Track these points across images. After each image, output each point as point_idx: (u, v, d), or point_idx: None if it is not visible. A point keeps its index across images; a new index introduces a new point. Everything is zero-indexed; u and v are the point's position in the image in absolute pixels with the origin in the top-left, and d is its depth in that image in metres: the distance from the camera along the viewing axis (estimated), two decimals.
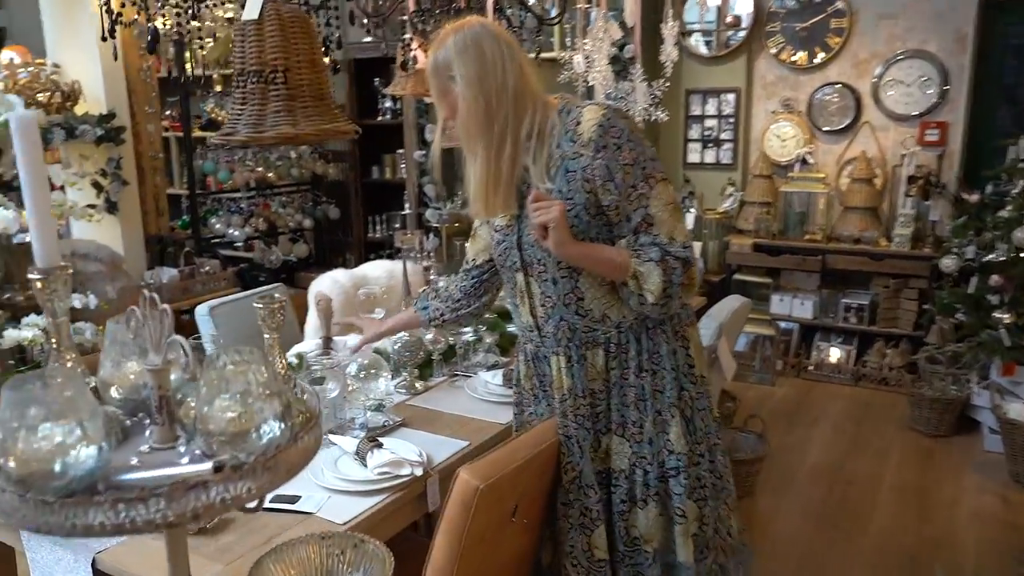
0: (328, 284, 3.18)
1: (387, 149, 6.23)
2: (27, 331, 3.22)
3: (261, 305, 1.17)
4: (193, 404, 0.93)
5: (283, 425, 0.90)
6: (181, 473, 0.86)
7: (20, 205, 4.08)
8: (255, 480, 0.84)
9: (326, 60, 2.33)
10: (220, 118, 5.72)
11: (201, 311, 2.63)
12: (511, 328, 2.77)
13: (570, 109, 1.68)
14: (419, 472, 1.76)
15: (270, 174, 5.81)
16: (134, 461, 0.91)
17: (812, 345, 4.90)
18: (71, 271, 1.05)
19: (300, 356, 2.27)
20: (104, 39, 2.93)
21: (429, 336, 2.42)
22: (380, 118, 6.22)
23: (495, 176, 1.67)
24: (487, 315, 2.55)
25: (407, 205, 5.90)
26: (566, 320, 1.71)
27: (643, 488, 1.72)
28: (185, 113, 5.28)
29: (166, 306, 0.93)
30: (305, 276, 6.34)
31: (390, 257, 6.49)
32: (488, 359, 2.52)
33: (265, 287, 3.09)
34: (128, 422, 0.99)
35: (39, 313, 3.69)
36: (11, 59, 4.70)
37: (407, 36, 2.93)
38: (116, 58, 3.79)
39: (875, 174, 4.72)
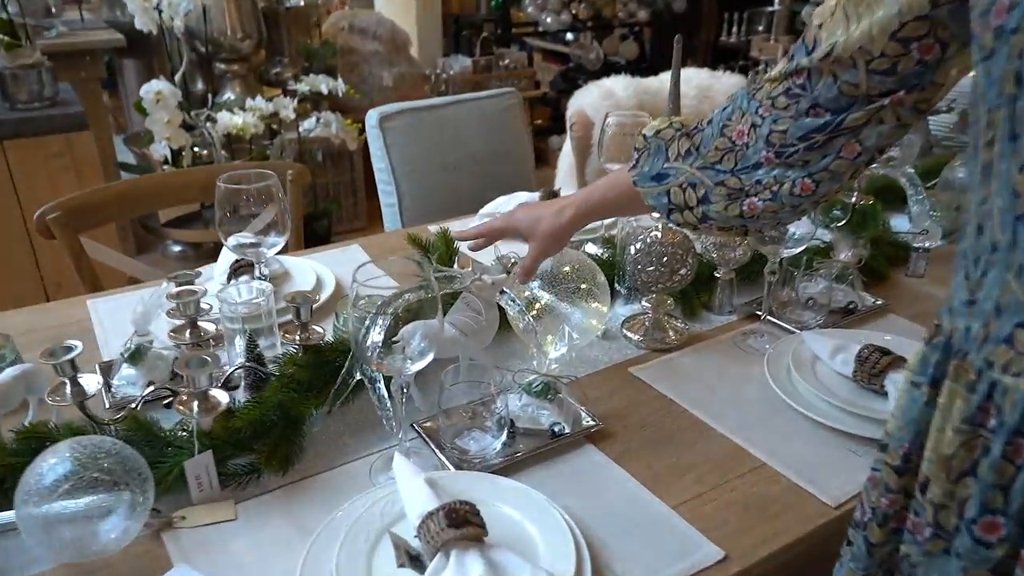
0: (596, 98, 2.00)
1: None
2: (239, 117, 2.57)
3: None
4: None
5: None
6: None
7: None
8: None
9: None
10: None
11: (370, 120, 1.66)
12: (903, 229, 1.41)
13: None
14: None
15: None
16: None
17: None
18: None
19: (445, 234, 1.18)
20: None
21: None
22: None
23: None
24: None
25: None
26: None
27: None
28: None
29: None
30: None
31: (744, 70, 4.96)
32: (834, 295, 1.21)
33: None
34: None
35: (286, 95, 3.06)
36: None
37: None
38: None
39: None
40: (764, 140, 0.76)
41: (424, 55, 4.17)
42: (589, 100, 1.96)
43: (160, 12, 2.56)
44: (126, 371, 0.99)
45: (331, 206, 3.28)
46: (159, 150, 2.55)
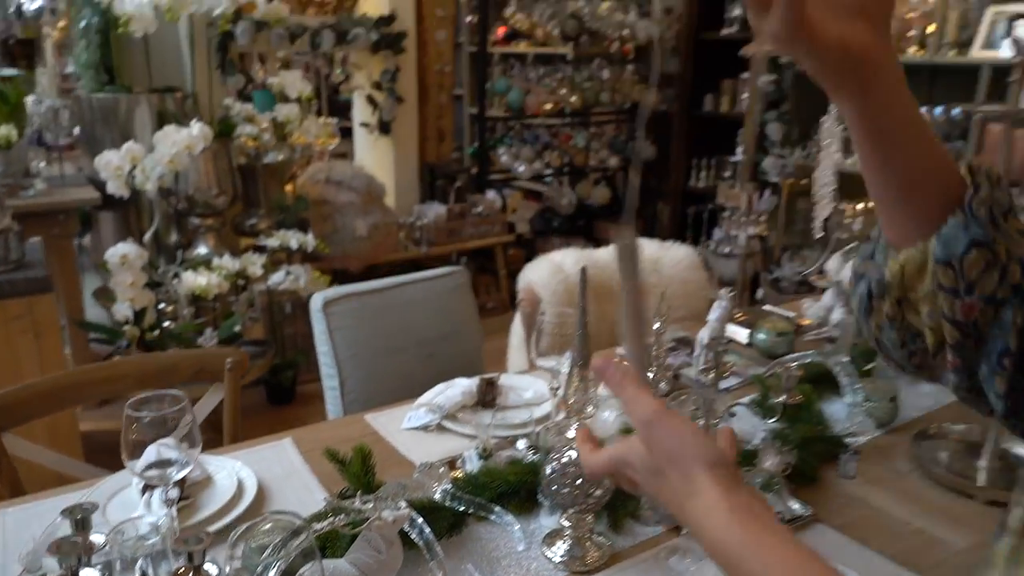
0: (545, 273, 2.04)
1: (728, 72, 4.80)
2: (203, 277, 2.60)
3: None
4: None
5: None
6: None
7: None
8: None
9: None
10: (525, 27, 4.77)
11: (315, 304, 1.68)
12: (840, 417, 1.41)
13: None
14: None
15: (574, 99, 4.75)
16: None
17: None
18: None
19: (362, 450, 1.16)
20: None
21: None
22: (724, 31, 4.79)
23: None
24: None
25: (740, 149, 4.45)
26: None
27: None
28: (482, 18, 4.43)
29: None
30: (603, 227, 5.27)
31: (712, 217, 5.10)
32: None
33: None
34: None
35: (257, 249, 3.14)
36: None
37: None
38: None
39: None
40: None
41: (400, 203, 4.30)
42: (537, 275, 2.00)
43: (134, 178, 2.64)
44: None
45: (298, 357, 3.29)
46: (121, 310, 2.58)
